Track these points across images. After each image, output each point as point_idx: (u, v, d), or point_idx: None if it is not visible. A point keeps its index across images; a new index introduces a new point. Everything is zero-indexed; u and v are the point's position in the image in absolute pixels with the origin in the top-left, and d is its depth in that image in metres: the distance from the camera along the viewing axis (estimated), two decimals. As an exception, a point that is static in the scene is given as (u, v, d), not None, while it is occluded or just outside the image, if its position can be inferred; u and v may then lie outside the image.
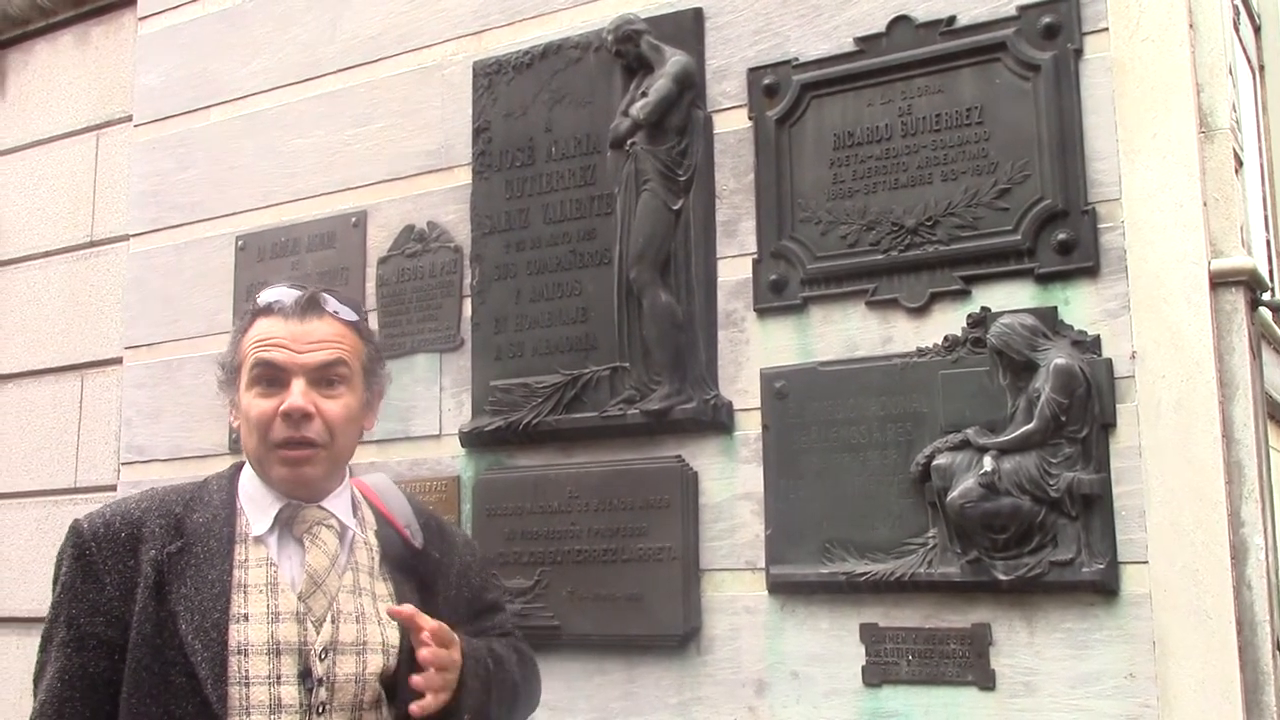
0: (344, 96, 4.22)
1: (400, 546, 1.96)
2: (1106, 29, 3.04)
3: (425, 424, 3.87)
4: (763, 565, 3.26)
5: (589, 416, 3.53)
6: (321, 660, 1.79)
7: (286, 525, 1.86)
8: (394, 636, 1.86)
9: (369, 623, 1.85)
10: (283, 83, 4.37)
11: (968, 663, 2.99)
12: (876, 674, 3.09)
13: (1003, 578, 2.92)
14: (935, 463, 3.01)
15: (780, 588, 3.23)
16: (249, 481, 1.90)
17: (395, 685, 1.85)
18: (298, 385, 1.83)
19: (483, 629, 2.07)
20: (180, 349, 4.43)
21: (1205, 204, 2.94)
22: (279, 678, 1.76)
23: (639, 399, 3.44)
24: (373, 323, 4.02)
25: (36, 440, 5.01)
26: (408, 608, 1.81)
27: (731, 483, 3.36)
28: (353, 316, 1.94)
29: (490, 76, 3.88)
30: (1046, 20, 3.07)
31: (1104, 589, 2.85)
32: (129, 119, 4.84)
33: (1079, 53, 3.05)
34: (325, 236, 4.17)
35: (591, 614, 3.44)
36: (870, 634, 3.10)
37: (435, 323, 3.89)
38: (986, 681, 2.96)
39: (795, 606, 3.22)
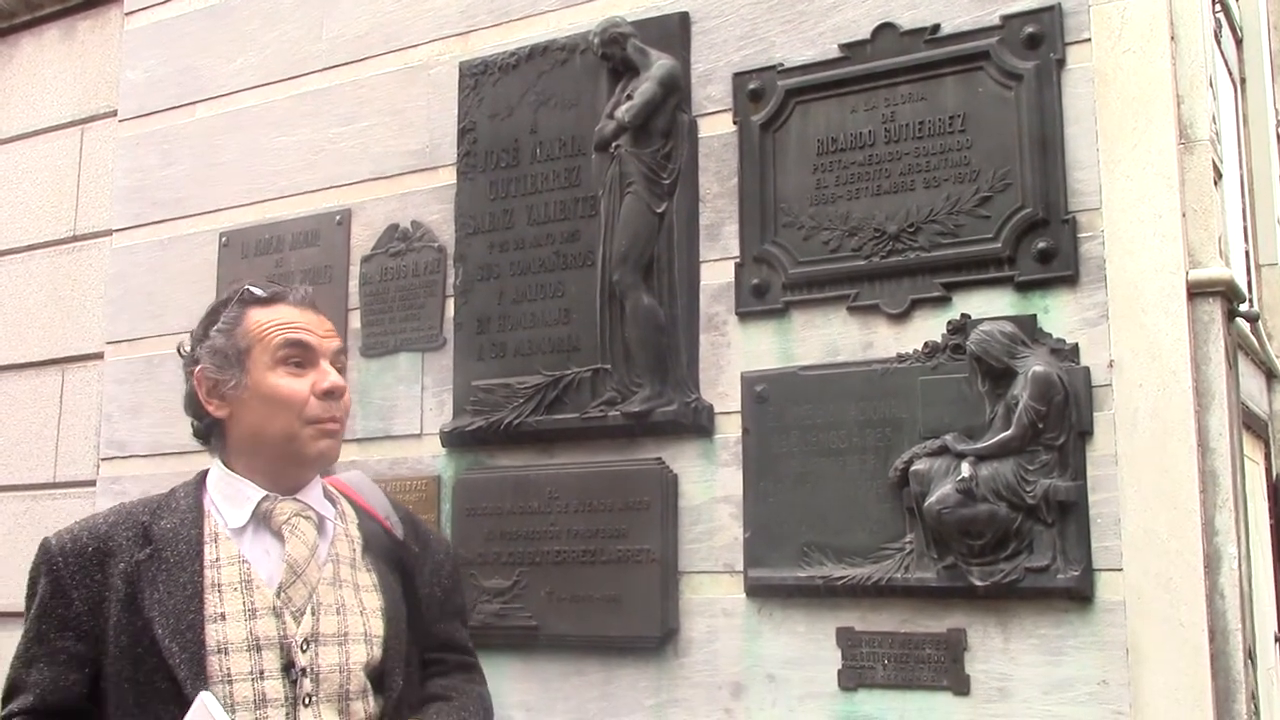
0: (330, 95, 4.22)
1: (383, 538, 1.96)
2: (1089, 39, 3.06)
3: (406, 423, 3.87)
4: (741, 568, 3.27)
5: (570, 418, 3.53)
6: (304, 651, 1.79)
7: (263, 519, 1.86)
8: (377, 627, 1.87)
9: (350, 614, 1.85)
10: (268, 80, 4.37)
11: (943, 668, 3.00)
12: (852, 678, 3.10)
13: (978, 584, 2.94)
14: (913, 468, 3.03)
15: (758, 591, 3.24)
16: (221, 481, 1.89)
17: (381, 676, 1.85)
18: (328, 366, 1.87)
19: (446, 646, 2.04)
20: (162, 345, 4.41)
21: (1184, 215, 2.96)
22: (262, 673, 1.76)
23: (620, 401, 3.45)
24: (355, 321, 4.04)
25: (16, 434, 4.98)
26: None
27: (711, 485, 3.37)
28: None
29: (476, 77, 3.89)
30: (1029, 30, 3.09)
31: (1079, 596, 2.87)
32: (114, 114, 4.82)
33: (1061, 63, 3.07)
34: (309, 234, 4.17)
35: (570, 615, 3.45)
36: (846, 638, 3.12)
37: (418, 322, 3.89)
38: (961, 687, 2.98)
39: (772, 610, 3.23)
